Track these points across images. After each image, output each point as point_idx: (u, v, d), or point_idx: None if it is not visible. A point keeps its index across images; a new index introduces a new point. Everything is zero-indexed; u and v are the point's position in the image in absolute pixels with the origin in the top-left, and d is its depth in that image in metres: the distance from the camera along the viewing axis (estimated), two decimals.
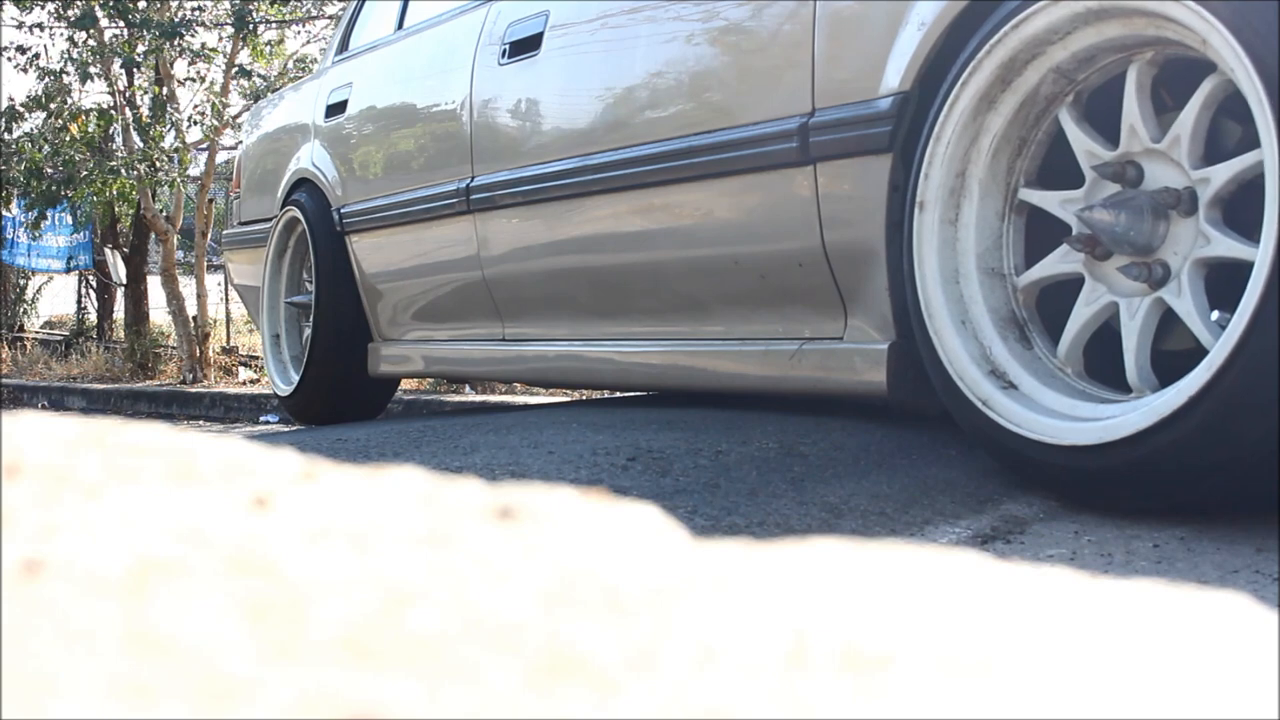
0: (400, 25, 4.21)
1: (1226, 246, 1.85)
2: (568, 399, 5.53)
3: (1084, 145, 2.06)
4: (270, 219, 4.72)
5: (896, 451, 2.31)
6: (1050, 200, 2.11)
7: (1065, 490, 1.99)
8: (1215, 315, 1.93)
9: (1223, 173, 1.86)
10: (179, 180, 9.83)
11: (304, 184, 4.45)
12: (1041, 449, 1.94)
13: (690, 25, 2.75)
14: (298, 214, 4.42)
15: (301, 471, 0.63)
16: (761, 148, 2.49)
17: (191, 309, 10.18)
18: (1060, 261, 2.09)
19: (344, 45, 4.62)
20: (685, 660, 0.46)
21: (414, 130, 3.88)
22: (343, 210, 4.17)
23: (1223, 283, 1.94)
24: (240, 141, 6.45)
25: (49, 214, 11.71)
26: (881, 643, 0.50)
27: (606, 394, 5.36)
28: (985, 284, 2.14)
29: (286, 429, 4.57)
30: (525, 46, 3.28)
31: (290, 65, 10.24)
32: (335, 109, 4.34)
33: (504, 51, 3.37)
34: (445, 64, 3.69)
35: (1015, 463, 2.03)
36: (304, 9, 10.00)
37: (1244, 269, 1.80)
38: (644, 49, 2.87)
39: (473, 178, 3.49)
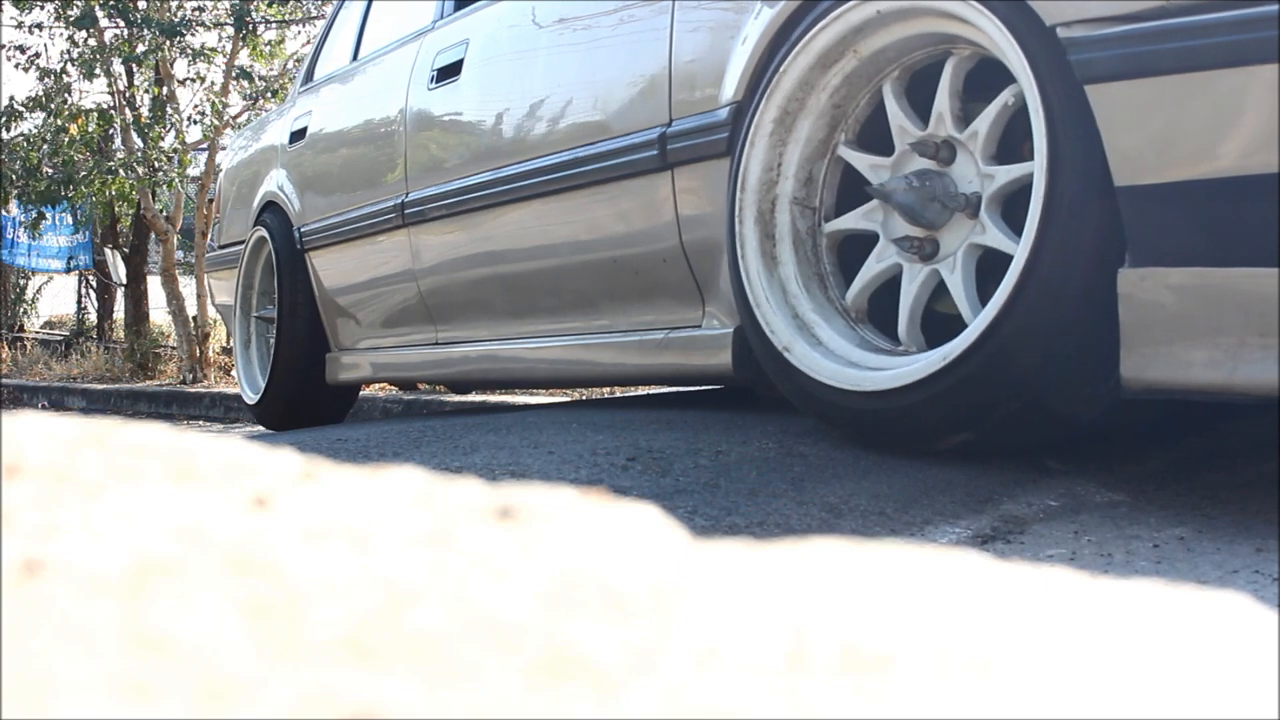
0: (355, 57, 4.53)
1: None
2: (567, 399, 5.53)
3: (856, 221, 2.35)
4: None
5: (896, 451, 2.31)
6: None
7: (851, 427, 2.27)
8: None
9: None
10: (179, 180, 9.84)
11: (271, 206, 4.73)
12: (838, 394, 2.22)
13: (578, 51, 3.08)
14: (265, 234, 4.69)
15: (301, 471, 0.63)
16: (631, 156, 2.80)
17: (191, 309, 10.19)
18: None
19: (309, 76, 4.94)
20: (685, 660, 0.46)
21: (359, 151, 4.17)
22: (302, 229, 4.43)
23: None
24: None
25: (49, 214, 11.73)
26: (881, 643, 0.50)
27: (606, 393, 5.36)
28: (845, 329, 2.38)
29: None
30: (450, 72, 3.60)
31: (290, 65, 10.24)
32: (297, 135, 4.64)
33: (433, 77, 3.69)
34: (386, 89, 4.00)
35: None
36: (304, 9, 10.00)
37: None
38: (542, 71, 3.20)
39: (407, 194, 3.75)
